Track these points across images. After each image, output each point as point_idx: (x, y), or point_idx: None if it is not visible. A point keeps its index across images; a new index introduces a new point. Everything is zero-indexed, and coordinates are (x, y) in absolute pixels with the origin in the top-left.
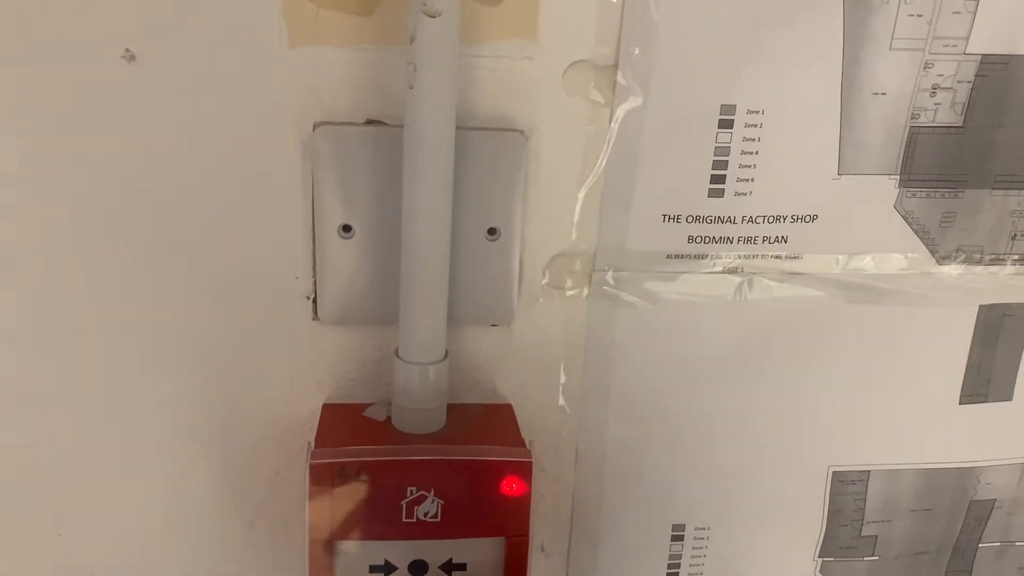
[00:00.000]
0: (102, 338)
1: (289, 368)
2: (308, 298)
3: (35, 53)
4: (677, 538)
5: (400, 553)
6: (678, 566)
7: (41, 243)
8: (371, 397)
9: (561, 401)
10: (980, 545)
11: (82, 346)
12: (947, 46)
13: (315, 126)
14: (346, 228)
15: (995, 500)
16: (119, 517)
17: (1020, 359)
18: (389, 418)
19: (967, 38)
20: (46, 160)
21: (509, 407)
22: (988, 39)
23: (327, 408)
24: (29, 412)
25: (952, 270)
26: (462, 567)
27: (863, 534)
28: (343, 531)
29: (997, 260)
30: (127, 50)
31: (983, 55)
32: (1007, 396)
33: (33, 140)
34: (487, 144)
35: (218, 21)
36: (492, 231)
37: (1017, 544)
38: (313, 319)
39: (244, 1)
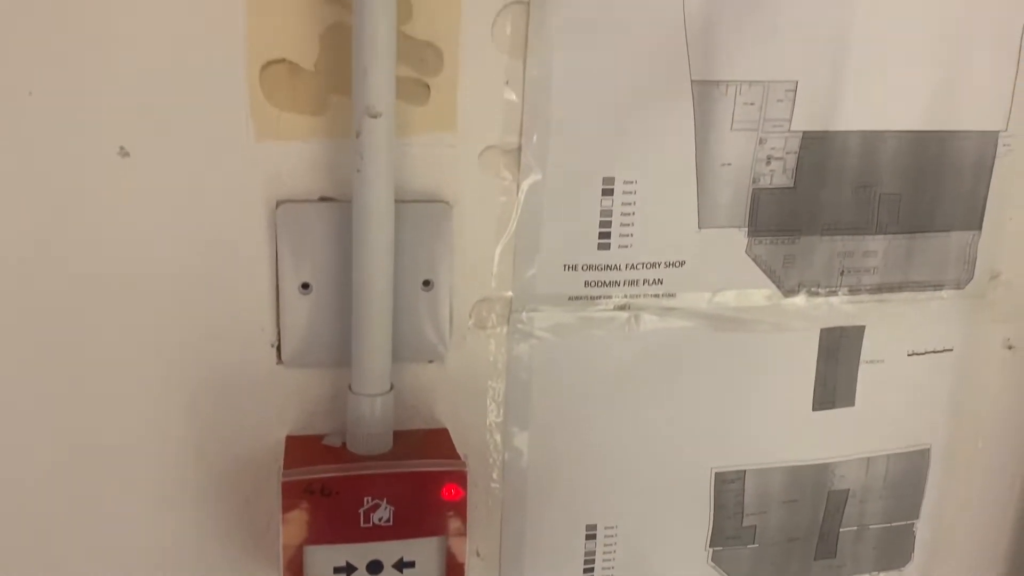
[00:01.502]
0: (91, 382)
1: (256, 406)
2: (272, 345)
3: (46, 147)
4: (591, 536)
5: (359, 555)
6: (593, 561)
7: (43, 297)
8: (328, 428)
9: (489, 423)
10: (841, 530)
11: (76, 388)
12: (775, 126)
13: (278, 203)
14: (305, 286)
15: (849, 490)
16: (108, 545)
17: (857, 371)
18: (344, 444)
19: (790, 120)
20: (48, 238)
21: (445, 431)
22: (806, 119)
23: (290, 439)
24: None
25: (797, 301)
26: (411, 565)
27: (744, 524)
28: (311, 537)
29: (831, 292)
30: (122, 147)
31: (804, 132)
32: (850, 402)
33: (37, 221)
34: (420, 213)
35: (200, 121)
36: (427, 283)
37: (871, 528)
38: (277, 363)
39: (220, 105)
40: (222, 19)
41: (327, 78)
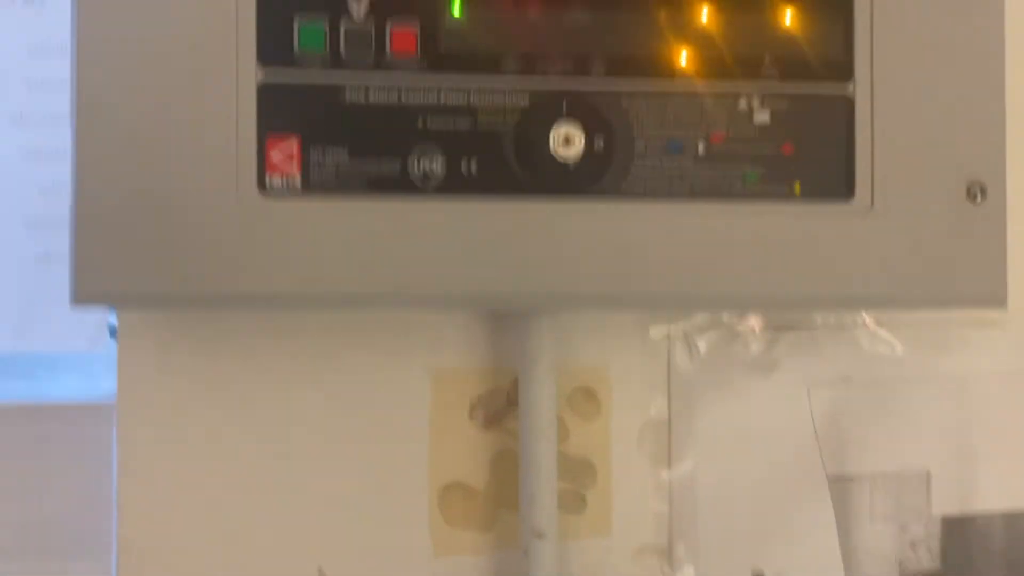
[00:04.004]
0: None
1: None
2: None
3: (254, 570)
4: None
5: None
6: None
7: None
8: None
9: None
10: None
11: None
12: (915, 514)
13: None
14: None
15: None
16: None
17: None
18: None
19: (928, 506)
20: None
21: None
22: (944, 504)
23: None
24: None
25: None
26: None
27: None
28: None
29: None
30: (320, 568)
31: (943, 516)
32: None
33: None
34: None
35: (385, 539)
36: None
37: None
38: None
39: (404, 524)
40: (409, 451)
41: (496, 498)
